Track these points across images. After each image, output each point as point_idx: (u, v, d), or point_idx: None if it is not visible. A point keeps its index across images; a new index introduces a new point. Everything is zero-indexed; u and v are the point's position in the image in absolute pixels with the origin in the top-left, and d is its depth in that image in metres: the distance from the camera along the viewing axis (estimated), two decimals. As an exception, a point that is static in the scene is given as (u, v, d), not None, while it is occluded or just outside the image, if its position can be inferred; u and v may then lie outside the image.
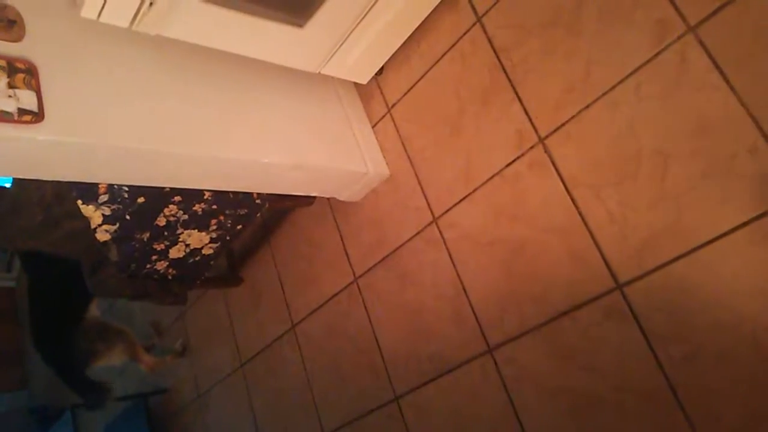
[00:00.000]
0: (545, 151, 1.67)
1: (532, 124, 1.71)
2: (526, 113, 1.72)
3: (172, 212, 2.02)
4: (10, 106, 1.25)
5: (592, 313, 1.56)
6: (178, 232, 2.14)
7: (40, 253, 2.25)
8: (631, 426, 1.47)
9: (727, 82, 1.35)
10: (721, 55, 1.37)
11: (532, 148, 1.70)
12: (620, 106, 1.52)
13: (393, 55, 2.04)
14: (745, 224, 1.30)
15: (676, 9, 1.44)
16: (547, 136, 1.67)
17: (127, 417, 3.45)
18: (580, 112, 1.60)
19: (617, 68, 1.53)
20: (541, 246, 1.67)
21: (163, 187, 1.90)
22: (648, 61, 1.48)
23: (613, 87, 1.54)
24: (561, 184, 1.63)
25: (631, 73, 1.51)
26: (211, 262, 2.44)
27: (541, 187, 1.68)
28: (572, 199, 1.61)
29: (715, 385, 1.34)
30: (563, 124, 1.63)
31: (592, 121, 1.58)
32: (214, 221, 2.19)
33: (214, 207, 2.11)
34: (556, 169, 1.65)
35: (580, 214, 1.59)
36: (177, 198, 1.97)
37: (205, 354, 3.16)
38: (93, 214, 1.85)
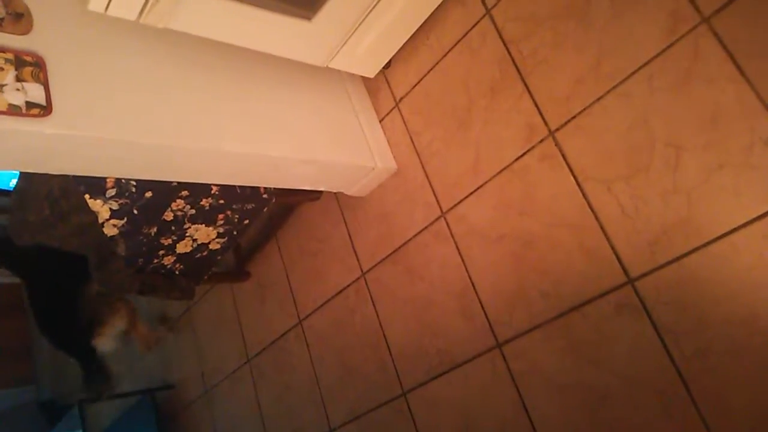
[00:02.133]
0: (555, 144, 1.66)
1: (542, 116, 1.69)
2: (536, 106, 1.71)
3: (180, 207, 2.01)
4: (18, 100, 1.24)
5: (603, 307, 1.54)
6: (186, 226, 2.13)
7: (21, 250, 2.29)
8: (643, 421, 1.45)
9: (742, 73, 1.33)
10: (735, 46, 1.35)
11: (542, 141, 1.69)
12: (632, 98, 1.50)
13: (401, 48, 2.03)
14: (760, 217, 1.29)
15: (690, 0, 1.42)
16: (557, 129, 1.66)
17: (135, 412, 3.46)
18: (591, 104, 1.58)
19: (629, 60, 1.52)
20: (551, 240, 1.66)
21: (171, 182, 1.89)
22: (661, 53, 1.46)
23: (625, 79, 1.52)
24: (572, 177, 1.62)
25: (644, 65, 1.49)
26: (219, 257, 2.43)
27: (552, 180, 1.66)
28: (583, 193, 1.59)
29: (728, 379, 1.33)
30: (574, 117, 1.62)
31: (604, 113, 1.56)
32: (221, 216, 2.19)
33: (222, 202, 2.10)
34: (567, 163, 1.63)
35: (591, 207, 1.57)
36: (184, 192, 1.96)
37: (212, 349, 3.16)
38: (101, 208, 1.85)
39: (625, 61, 1.52)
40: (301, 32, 1.72)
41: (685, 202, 1.40)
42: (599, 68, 1.57)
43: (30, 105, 1.26)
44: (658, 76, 1.46)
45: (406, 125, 2.11)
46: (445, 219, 1.95)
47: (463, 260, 1.89)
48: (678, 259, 1.41)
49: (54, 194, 1.88)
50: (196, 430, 3.27)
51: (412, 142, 2.08)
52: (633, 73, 1.50)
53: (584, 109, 1.60)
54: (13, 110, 1.23)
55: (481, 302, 1.83)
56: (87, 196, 1.81)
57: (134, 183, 1.85)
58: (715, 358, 1.35)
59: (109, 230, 1.94)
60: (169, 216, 2.03)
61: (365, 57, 1.96)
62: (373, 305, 2.20)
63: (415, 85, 2.08)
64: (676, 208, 1.42)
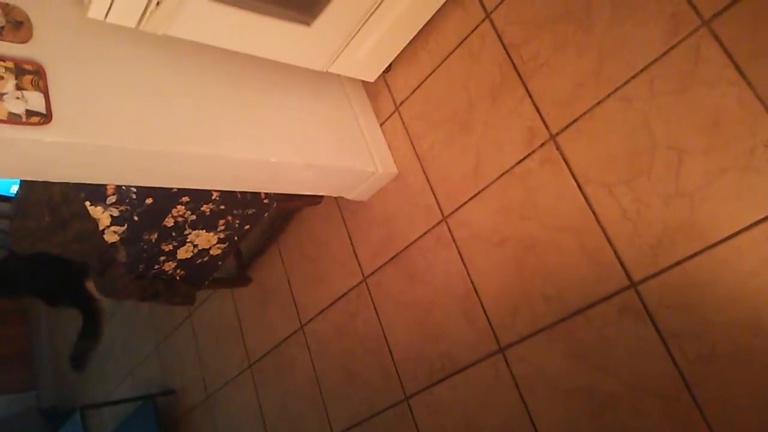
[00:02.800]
0: (557, 148, 1.65)
1: (543, 120, 1.69)
2: (537, 109, 1.70)
3: (180, 213, 2.01)
4: (18, 108, 1.24)
5: (605, 311, 1.54)
6: (186, 232, 2.13)
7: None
8: (647, 425, 1.45)
9: (743, 76, 1.33)
10: (736, 49, 1.35)
11: (543, 144, 1.69)
12: (633, 102, 1.50)
13: (401, 52, 2.03)
14: (762, 220, 1.28)
15: (690, 2, 1.42)
16: (558, 133, 1.65)
17: (136, 418, 3.45)
18: (592, 108, 1.58)
19: (630, 63, 1.51)
20: (553, 244, 1.66)
21: (171, 188, 1.89)
22: (661, 56, 1.46)
23: (626, 82, 1.52)
24: (573, 180, 1.61)
25: (644, 68, 1.49)
26: (220, 263, 2.43)
27: (553, 184, 1.66)
28: (584, 196, 1.59)
29: (732, 383, 1.32)
30: (575, 120, 1.62)
31: (605, 117, 1.56)
32: (222, 221, 2.18)
33: (222, 207, 2.10)
34: (568, 166, 1.63)
35: (592, 211, 1.57)
36: (185, 198, 1.96)
37: (214, 354, 3.16)
38: (101, 215, 1.85)
39: (626, 65, 1.52)
40: (301, 37, 1.72)
41: (687, 206, 1.40)
42: (600, 72, 1.57)
43: (30, 113, 1.26)
44: (659, 80, 1.46)
45: (406, 129, 2.11)
46: (446, 223, 1.94)
47: (464, 264, 1.88)
48: (680, 262, 1.41)
49: (55, 201, 1.88)
50: (197, 436, 3.26)
51: (413, 146, 2.08)
52: (634, 76, 1.50)
53: (585, 113, 1.60)
54: (13, 119, 1.23)
55: (483, 306, 1.82)
56: (87, 203, 1.81)
57: (134, 189, 1.85)
58: (718, 362, 1.34)
59: (110, 237, 1.93)
60: (169, 222, 2.03)
61: (365, 61, 1.96)
62: (375, 310, 2.19)
63: (416, 89, 2.08)
64: (678, 211, 1.41)
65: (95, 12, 1.34)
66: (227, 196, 2.07)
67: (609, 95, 1.55)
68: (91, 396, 4.50)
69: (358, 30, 1.80)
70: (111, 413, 3.81)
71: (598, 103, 1.57)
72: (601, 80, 1.57)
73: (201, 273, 2.43)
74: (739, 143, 1.33)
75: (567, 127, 1.63)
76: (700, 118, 1.39)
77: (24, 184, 2.07)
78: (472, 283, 1.86)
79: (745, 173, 1.31)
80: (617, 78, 1.54)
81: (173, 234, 2.10)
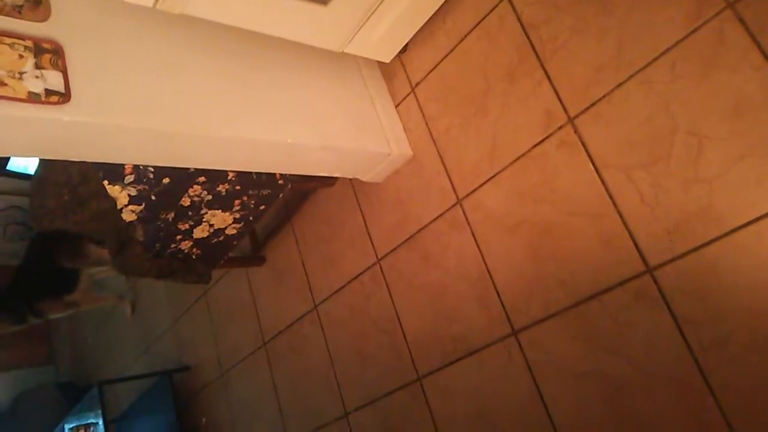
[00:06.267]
0: (575, 132, 1.64)
1: (562, 103, 1.67)
2: (555, 92, 1.68)
3: (197, 192, 2.02)
4: (38, 87, 1.25)
5: (621, 296, 1.53)
6: (203, 212, 2.14)
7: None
8: (660, 410, 1.45)
9: (768, 60, 1.31)
10: (762, 32, 1.32)
11: (561, 128, 1.67)
12: (654, 86, 1.48)
13: (417, 32, 2.01)
14: (783, 207, 1.27)
15: (715, -17, 1.39)
16: (576, 116, 1.64)
17: (152, 394, 3.51)
18: (611, 91, 1.56)
19: (651, 46, 1.49)
20: (568, 228, 1.65)
21: (188, 168, 1.90)
22: (683, 39, 1.43)
23: (647, 65, 1.49)
24: (591, 165, 1.60)
25: (666, 51, 1.46)
26: (235, 242, 2.45)
27: (570, 168, 1.64)
28: (602, 181, 1.58)
29: (747, 371, 1.32)
30: (594, 104, 1.60)
31: (624, 100, 1.53)
32: (237, 202, 2.19)
33: (238, 188, 2.11)
34: (586, 150, 1.61)
35: (609, 195, 1.56)
36: (201, 178, 1.97)
37: (228, 332, 3.20)
38: (119, 194, 1.86)
39: (647, 48, 1.49)
40: (317, 17, 1.71)
41: (707, 191, 1.38)
42: (620, 54, 1.55)
43: (49, 92, 1.27)
44: (680, 63, 1.43)
45: (422, 111, 2.09)
46: (461, 206, 1.94)
47: (479, 247, 1.88)
48: (698, 248, 1.40)
49: (73, 180, 1.90)
50: (213, 412, 3.31)
51: (428, 128, 2.06)
52: (655, 59, 1.48)
53: (604, 96, 1.58)
54: (32, 98, 1.24)
55: (497, 289, 1.83)
56: (106, 182, 1.82)
57: (152, 169, 1.87)
58: (734, 349, 1.33)
59: (128, 216, 1.95)
60: (186, 202, 2.04)
61: (381, 42, 1.95)
62: (389, 291, 2.20)
63: (432, 70, 2.06)
64: (697, 197, 1.40)
65: (113, -9, 1.34)
66: (243, 176, 2.07)
67: (629, 78, 1.53)
68: (108, 371, 4.58)
69: (375, 10, 1.78)
70: (127, 389, 3.88)
71: (618, 86, 1.55)
72: (621, 63, 1.54)
73: (216, 252, 2.45)
74: (761, 129, 1.30)
75: (586, 110, 1.62)
76: (722, 103, 1.37)
77: (43, 163, 2.09)
78: (486, 266, 1.86)
79: (766, 160, 1.29)
80: (638, 61, 1.51)
81: (189, 213, 2.11)
